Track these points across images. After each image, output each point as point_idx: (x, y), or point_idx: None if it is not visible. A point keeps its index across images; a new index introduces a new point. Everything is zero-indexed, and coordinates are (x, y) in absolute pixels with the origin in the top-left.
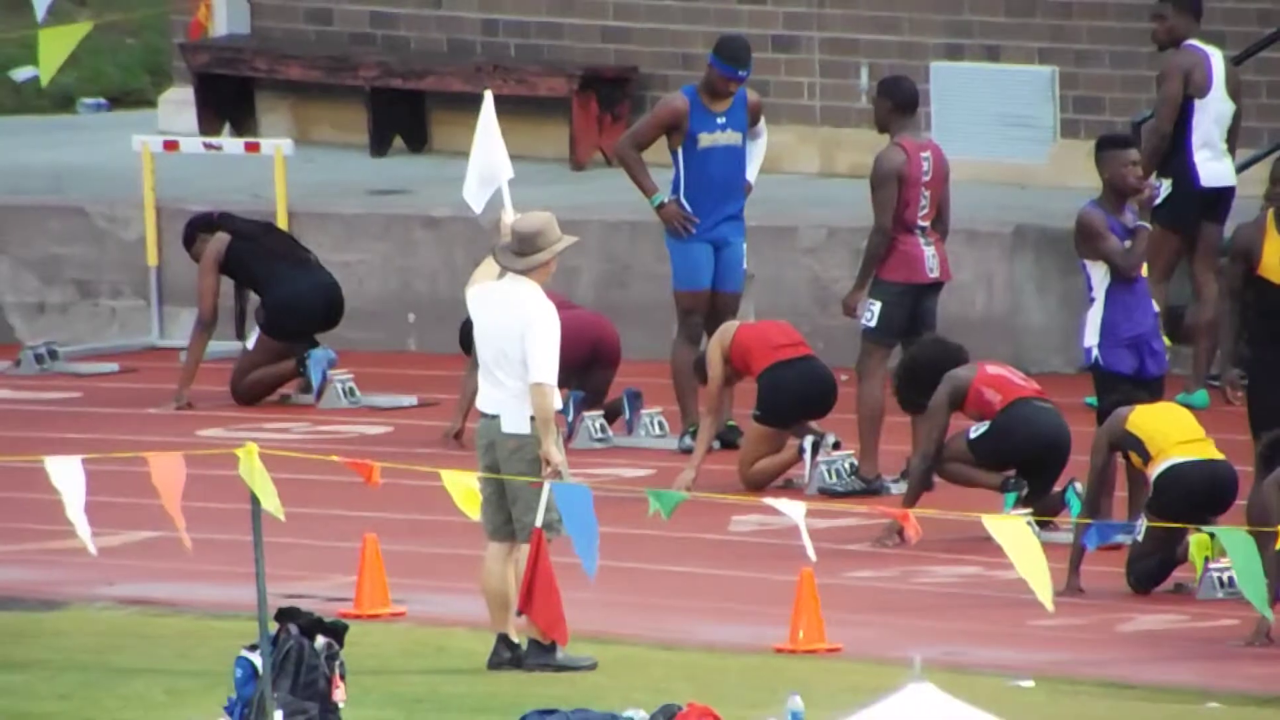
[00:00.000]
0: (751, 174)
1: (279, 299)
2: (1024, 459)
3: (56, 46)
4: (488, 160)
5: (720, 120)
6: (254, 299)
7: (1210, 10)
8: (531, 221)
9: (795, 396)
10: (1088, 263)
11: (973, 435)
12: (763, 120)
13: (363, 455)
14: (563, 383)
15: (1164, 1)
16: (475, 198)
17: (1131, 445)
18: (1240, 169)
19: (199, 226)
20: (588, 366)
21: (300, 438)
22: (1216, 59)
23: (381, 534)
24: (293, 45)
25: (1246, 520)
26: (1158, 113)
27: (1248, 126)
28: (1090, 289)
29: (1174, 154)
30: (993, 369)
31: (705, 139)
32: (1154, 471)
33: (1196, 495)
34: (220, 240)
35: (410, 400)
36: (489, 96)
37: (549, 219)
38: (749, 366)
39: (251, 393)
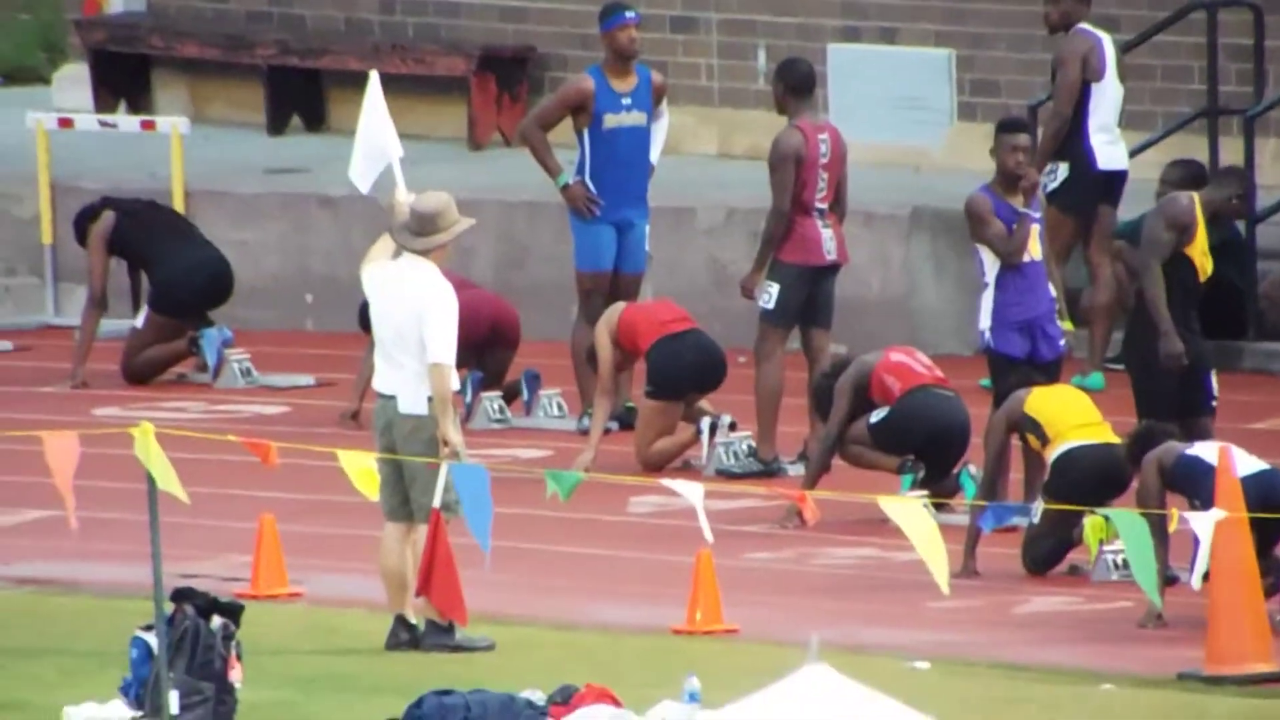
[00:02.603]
0: (654, 155)
1: (165, 275)
2: (920, 446)
3: None
4: (375, 139)
5: (626, 101)
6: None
7: None
8: (430, 202)
9: (686, 368)
10: (978, 246)
11: (873, 420)
12: (665, 101)
13: (260, 435)
14: (461, 363)
15: None
16: (362, 178)
17: (1029, 428)
18: (1134, 153)
19: (87, 218)
20: (486, 347)
21: (197, 417)
22: (1107, 43)
23: (278, 514)
24: (189, 23)
25: (1136, 503)
26: (1057, 97)
27: (1142, 110)
28: (982, 273)
29: (1071, 138)
30: (896, 356)
31: (611, 120)
32: (1051, 454)
33: (1093, 478)
34: (107, 219)
35: (308, 380)
36: (375, 76)
37: (448, 199)
38: (636, 345)
39: (143, 372)
